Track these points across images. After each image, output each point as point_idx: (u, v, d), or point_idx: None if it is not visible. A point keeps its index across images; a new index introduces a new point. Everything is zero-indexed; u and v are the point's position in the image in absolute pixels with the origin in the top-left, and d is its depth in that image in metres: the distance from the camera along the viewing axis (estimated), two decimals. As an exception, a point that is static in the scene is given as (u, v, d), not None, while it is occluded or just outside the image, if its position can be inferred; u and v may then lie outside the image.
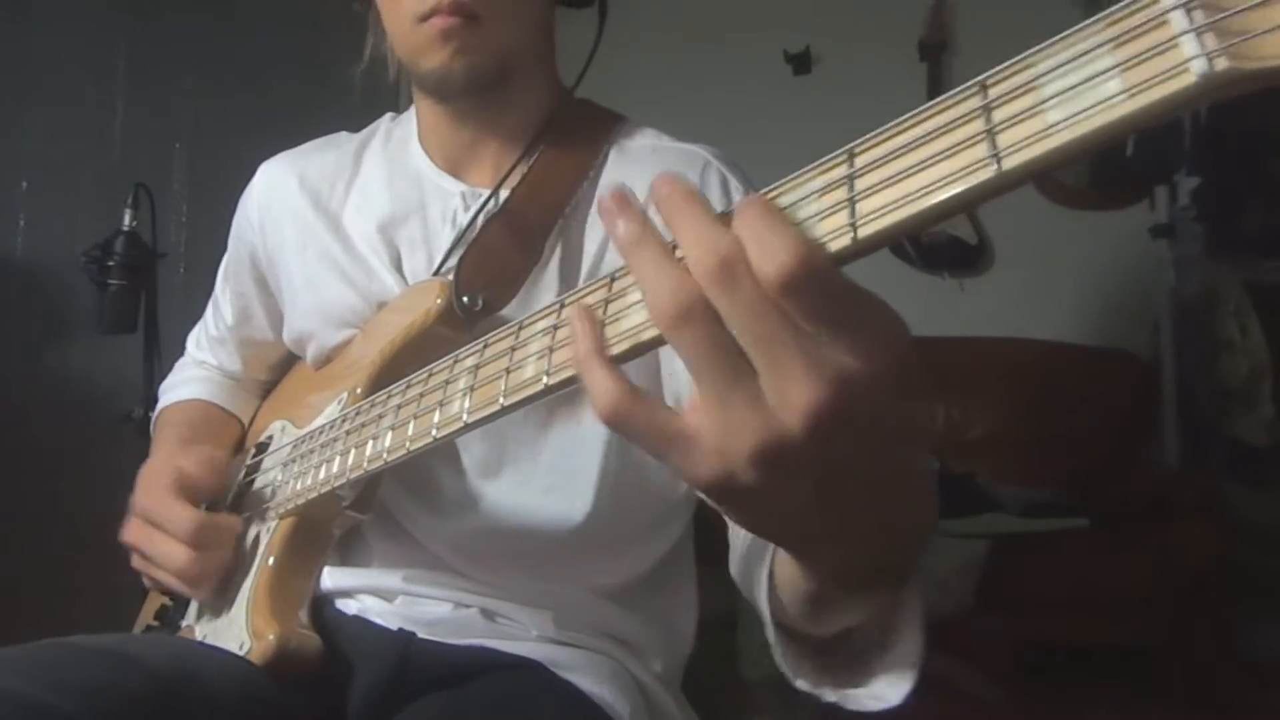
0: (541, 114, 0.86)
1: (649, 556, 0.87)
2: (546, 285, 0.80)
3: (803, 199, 0.39)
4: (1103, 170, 2.67)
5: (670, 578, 0.88)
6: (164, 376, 1.08)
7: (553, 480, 0.81)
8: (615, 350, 0.44)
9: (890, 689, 0.52)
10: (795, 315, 0.36)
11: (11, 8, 2.20)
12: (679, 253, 0.39)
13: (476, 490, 0.82)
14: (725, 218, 0.39)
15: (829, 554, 0.46)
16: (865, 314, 0.37)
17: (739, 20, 3.02)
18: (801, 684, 0.56)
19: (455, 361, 0.58)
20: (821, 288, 0.36)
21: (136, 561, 0.83)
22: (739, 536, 0.68)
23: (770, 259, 0.36)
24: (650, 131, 0.88)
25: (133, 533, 0.82)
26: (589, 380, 0.42)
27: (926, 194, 0.36)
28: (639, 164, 0.84)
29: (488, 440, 0.81)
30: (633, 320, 0.43)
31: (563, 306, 0.48)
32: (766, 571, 0.56)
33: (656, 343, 0.43)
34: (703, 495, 0.42)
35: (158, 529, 0.79)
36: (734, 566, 0.68)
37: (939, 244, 2.86)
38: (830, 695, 0.55)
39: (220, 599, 0.81)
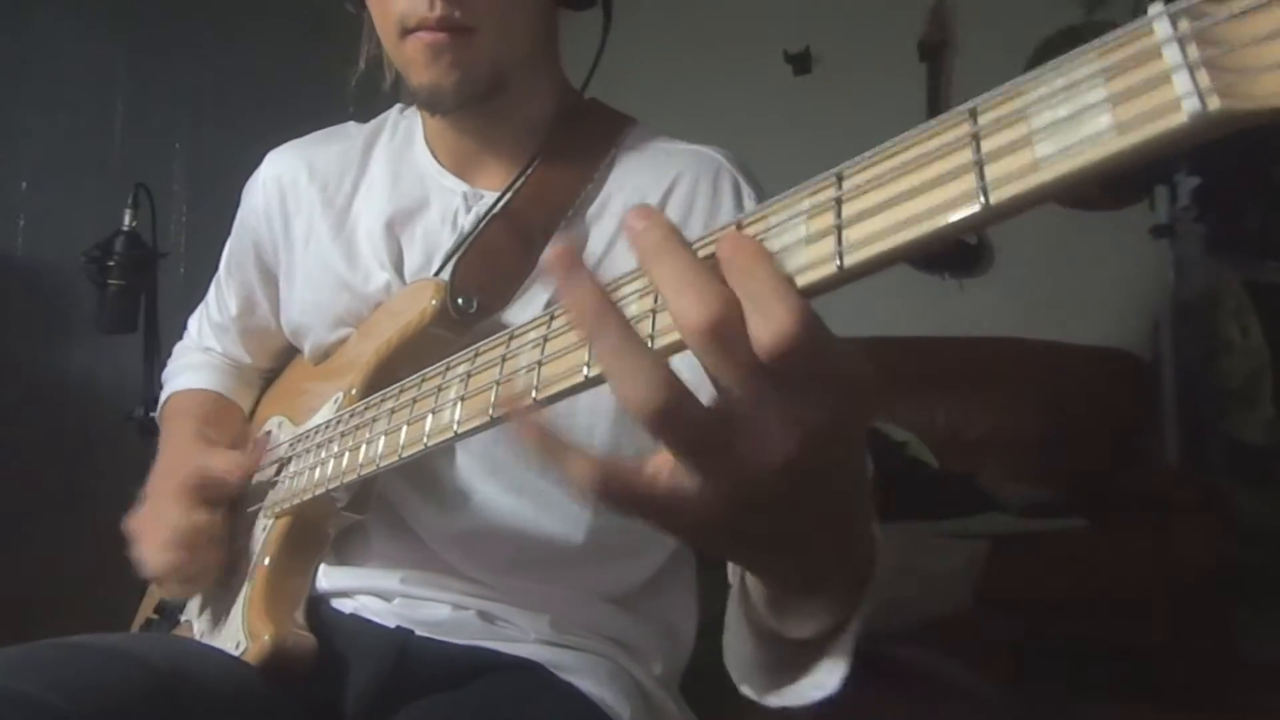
0: (548, 116, 0.85)
1: (650, 559, 0.86)
2: (545, 289, 0.80)
3: (789, 221, 0.38)
4: (1103, 170, 2.66)
5: (671, 580, 0.88)
6: (164, 376, 1.07)
7: (548, 484, 0.80)
8: (545, 394, 0.44)
9: (830, 674, 0.52)
10: (781, 375, 0.36)
11: (11, 9, 2.20)
12: (660, 301, 0.39)
13: (475, 487, 0.81)
14: (710, 261, 0.37)
15: (778, 569, 0.48)
16: (842, 365, 0.37)
17: (739, 20, 3.01)
18: (746, 690, 0.56)
19: (448, 368, 0.58)
20: (813, 348, 0.36)
21: (134, 551, 0.83)
22: None
23: (770, 325, 0.35)
24: (661, 136, 0.87)
25: (134, 521, 0.82)
26: (562, 469, 0.40)
27: (913, 225, 0.35)
28: (649, 166, 0.83)
29: (484, 442, 0.80)
30: (569, 363, 0.44)
31: (552, 319, 0.48)
32: (740, 575, 0.56)
33: (582, 388, 0.43)
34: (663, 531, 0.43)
35: (153, 523, 0.80)
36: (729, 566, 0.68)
37: (939, 244, 2.85)
38: (773, 700, 0.55)
39: (218, 598, 0.81)
